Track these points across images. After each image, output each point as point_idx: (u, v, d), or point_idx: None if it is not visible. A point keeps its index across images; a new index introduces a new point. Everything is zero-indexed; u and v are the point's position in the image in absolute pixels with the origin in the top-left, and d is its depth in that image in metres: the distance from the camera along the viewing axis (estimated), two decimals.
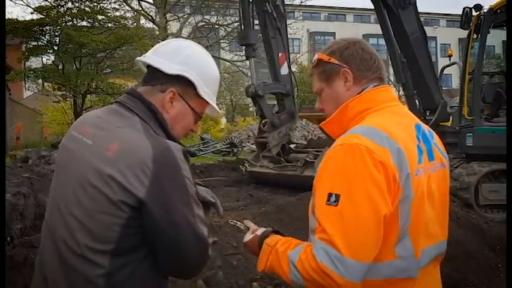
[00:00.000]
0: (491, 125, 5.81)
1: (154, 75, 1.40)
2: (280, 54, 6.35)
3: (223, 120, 31.66)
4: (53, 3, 14.53)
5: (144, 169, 1.18)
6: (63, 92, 14.41)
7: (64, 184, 1.29)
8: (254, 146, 18.25)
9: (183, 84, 1.39)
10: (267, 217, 4.06)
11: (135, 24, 17.84)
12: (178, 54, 1.42)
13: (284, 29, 6.34)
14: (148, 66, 1.44)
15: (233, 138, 16.86)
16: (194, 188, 1.28)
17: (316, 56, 1.51)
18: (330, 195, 1.25)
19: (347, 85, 1.44)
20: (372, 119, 1.36)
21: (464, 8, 6.17)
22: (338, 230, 1.23)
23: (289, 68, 6.34)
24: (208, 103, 1.45)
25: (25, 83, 17.15)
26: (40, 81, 16.06)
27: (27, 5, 17.90)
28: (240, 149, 15.44)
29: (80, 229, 1.21)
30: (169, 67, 1.38)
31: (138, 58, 1.46)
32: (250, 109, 35.85)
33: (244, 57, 23.59)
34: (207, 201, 1.63)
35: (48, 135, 19.96)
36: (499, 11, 5.67)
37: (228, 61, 24.51)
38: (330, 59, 1.45)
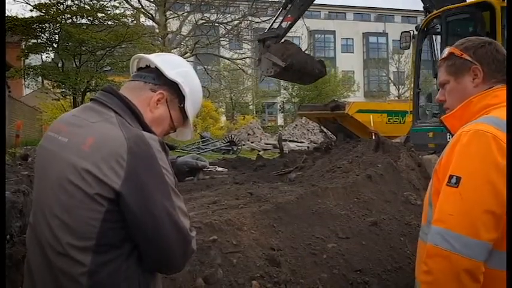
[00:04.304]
0: (421, 125, 6.80)
1: (150, 74, 1.43)
2: None
3: (223, 118, 31.67)
4: (52, 1, 14.48)
5: (119, 160, 1.18)
6: (63, 90, 14.39)
7: (44, 185, 1.29)
8: (254, 145, 18.35)
9: (173, 92, 1.44)
10: (266, 215, 4.05)
11: (135, 22, 17.81)
12: (179, 66, 1.49)
13: None
14: (144, 67, 1.48)
15: (233, 136, 16.88)
16: (173, 179, 1.27)
17: (447, 49, 1.55)
18: (451, 177, 1.31)
19: (475, 82, 1.49)
20: (497, 113, 1.40)
21: (402, 32, 7.49)
22: (456, 210, 1.27)
23: None
24: (186, 119, 1.50)
25: (25, 81, 17.12)
26: (40, 78, 16.04)
27: (27, 3, 17.78)
28: (240, 147, 15.46)
29: (61, 227, 1.21)
30: (169, 72, 1.43)
31: (143, 55, 1.49)
32: (250, 107, 35.86)
33: (243, 55, 23.66)
34: (194, 167, 1.68)
35: None
36: (425, 28, 6.99)
37: (227, 59, 24.50)
38: (462, 55, 1.50)
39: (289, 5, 7.86)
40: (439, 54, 6.82)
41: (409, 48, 7.31)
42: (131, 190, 1.17)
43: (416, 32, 7.37)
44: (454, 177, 1.30)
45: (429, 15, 7.11)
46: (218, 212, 4.20)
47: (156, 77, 1.42)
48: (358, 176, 4.76)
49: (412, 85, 7.41)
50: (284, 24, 7.84)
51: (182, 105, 1.45)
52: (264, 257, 3.60)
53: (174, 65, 1.46)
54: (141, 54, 1.51)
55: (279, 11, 8.27)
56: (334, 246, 3.84)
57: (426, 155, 5.30)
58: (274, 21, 8.06)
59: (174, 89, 1.44)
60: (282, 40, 7.82)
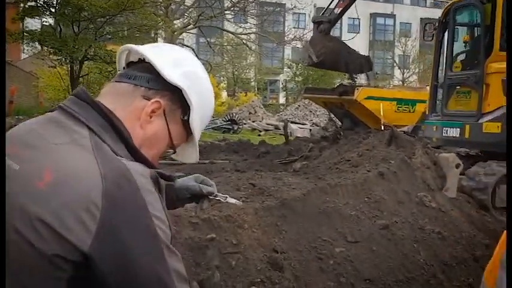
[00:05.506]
0: (433, 118, 6.72)
1: (143, 74, 1.04)
2: None
3: (224, 93, 31.22)
4: None
5: (89, 208, 0.82)
6: (60, 57, 13.89)
7: None
8: (255, 124, 17.97)
9: (175, 100, 1.06)
10: (270, 212, 3.75)
11: None
12: (184, 64, 1.08)
13: None
14: (137, 61, 1.08)
15: (234, 114, 16.50)
16: (168, 231, 0.90)
17: None
18: None
19: None
20: None
21: (425, 24, 7.27)
22: None
23: None
24: (190, 135, 1.12)
25: (23, 45, 16.60)
26: (37, 44, 15.52)
27: None
28: (241, 126, 15.13)
29: None
30: (171, 72, 1.03)
31: (133, 46, 1.09)
32: (252, 84, 35.33)
33: (248, 30, 23.07)
34: (197, 193, 1.33)
35: (43, 100, 19.50)
36: (444, 20, 6.70)
37: (231, 33, 23.85)
38: None
39: None
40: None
41: (432, 39, 7.01)
42: (106, 251, 0.81)
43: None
44: None
45: (446, 6, 6.93)
46: (217, 205, 3.89)
47: (151, 78, 1.03)
48: (369, 172, 4.43)
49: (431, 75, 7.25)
50: (336, 10, 8.25)
51: (186, 117, 1.08)
52: (266, 260, 3.32)
53: (177, 63, 1.07)
54: (131, 45, 1.10)
55: None
56: (342, 250, 3.55)
57: (443, 152, 4.97)
58: (329, 5, 8.48)
59: (176, 96, 1.05)
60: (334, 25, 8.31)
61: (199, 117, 1.09)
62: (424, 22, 7.55)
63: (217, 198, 1.35)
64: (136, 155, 0.97)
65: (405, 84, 33.31)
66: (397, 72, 40.98)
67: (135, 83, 1.02)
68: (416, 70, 38.52)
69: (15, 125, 0.99)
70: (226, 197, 1.37)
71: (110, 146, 0.92)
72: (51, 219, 0.80)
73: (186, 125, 1.08)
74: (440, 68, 6.91)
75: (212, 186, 1.36)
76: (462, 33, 6.82)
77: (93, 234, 0.79)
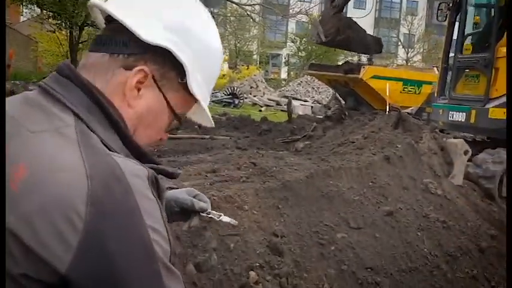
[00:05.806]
0: (440, 102, 6.52)
1: (119, 38, 0.80)
2: None
3: (225, 66, 30.80)
4: None
5: (70, 216, 0.64)
6: (59, 21, 13.49)
7: None
8: (256, 99, 17.75)
9: (165, 63, 0.82)
10: (271, 194, 3.64)
11: None
12: (168, 13, 0.83)
13: None
14: (112, 20, 0.83)
15: (235, 88, 16.25)
16: (168, 247, 0.73)
17: None
18: None
19: None
20: None
21: (440, 3, 6.80)
22: None
23: None
24: (195, 101, 0.88)
25: (22, 8, 16.16)
26: (35, 7, 15.09)
27: None
28: (242, 100, 14.90)
29: None
30: (148, 31, 0.79)
31: (97, 2, 0.84)
32: (254, 57, 34.81)
33: (253, 1, 22.51)
34: (188, 208, 1.14)
35: (42, 65, 19.15)
36: (457, 0, 6.35)
37: (235, 3, 23.27)
38: None
39: None
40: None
41: (445, 20, 6.69)
42: (89, 272, 0.65)
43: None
44: None
45: None
46: (217, 184, 3.77)
47: (129, 40, 0.79)
48: (374, 155, 4.30)
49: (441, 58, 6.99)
50: None
51: (186, 79, 0.84)
52: (266, 243, 3.21)
53: (157, 13, 0.82)
54: (95, 1, 0.83)
55: None
56: (344, 236, 3.45)
57: (451, 138, 4.83)
58: None
59: (165, 57, 0.82)
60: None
61: (202, 77, 0.87)
62: (433, 1, 7.28)
63: (210, 215, 1.17)
64: (130, 145, 0.79)
65: (409, 64, 32.85)
66: (401, 51, 40.42)
67: (111, 50, 0.80)
68: (421, 50, 37.93)
69: (12, 91, 0.83)
70: (221, 215, 1.19)
71: (99, 136, 0.74)
72: (20, 230, 0.63)
73: (187, 89, 0.86)
74: (451, 49, 6.67)
75: (207, 203, 1.17)
76: (475, 14, 6.57)
77: (74, 251, 0.63)
